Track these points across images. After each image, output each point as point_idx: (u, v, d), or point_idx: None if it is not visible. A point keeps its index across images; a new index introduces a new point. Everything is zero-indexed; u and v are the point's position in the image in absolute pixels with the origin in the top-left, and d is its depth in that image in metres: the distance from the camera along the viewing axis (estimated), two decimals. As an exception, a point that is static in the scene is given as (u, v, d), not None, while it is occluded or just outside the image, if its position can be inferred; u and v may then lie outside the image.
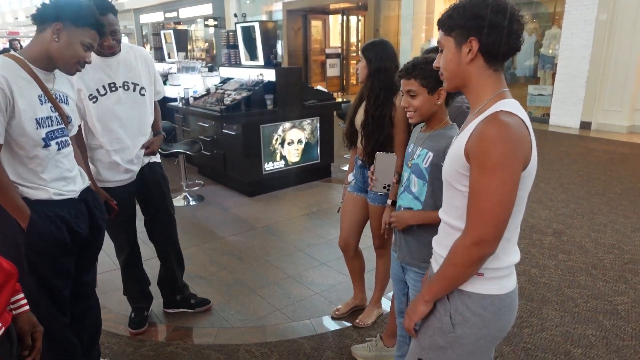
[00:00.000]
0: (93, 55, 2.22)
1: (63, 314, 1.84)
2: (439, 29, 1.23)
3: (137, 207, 2.59)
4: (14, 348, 1.17)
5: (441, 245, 1.29)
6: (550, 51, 8.71)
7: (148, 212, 2.61)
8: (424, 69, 1.65)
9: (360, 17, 13.70)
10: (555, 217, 4.19)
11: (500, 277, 1.21)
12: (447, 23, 1.18)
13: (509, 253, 1.22)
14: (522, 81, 9.52)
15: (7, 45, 13.35)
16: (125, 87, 2.31)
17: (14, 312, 1.22)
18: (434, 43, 10.84)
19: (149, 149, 2.44)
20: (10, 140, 1.62)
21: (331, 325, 2.68)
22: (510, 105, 1.13)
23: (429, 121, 1.73)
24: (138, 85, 2.35)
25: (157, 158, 2.58)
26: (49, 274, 1.75)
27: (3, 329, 1.09)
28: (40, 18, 1.65)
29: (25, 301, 1.26)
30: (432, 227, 1.67)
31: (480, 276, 1.20)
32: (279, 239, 3.86)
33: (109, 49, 2.22)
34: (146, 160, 2.48)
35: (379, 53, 2.26)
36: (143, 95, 2.38)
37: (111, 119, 2.29)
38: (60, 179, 1.75)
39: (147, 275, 2.73)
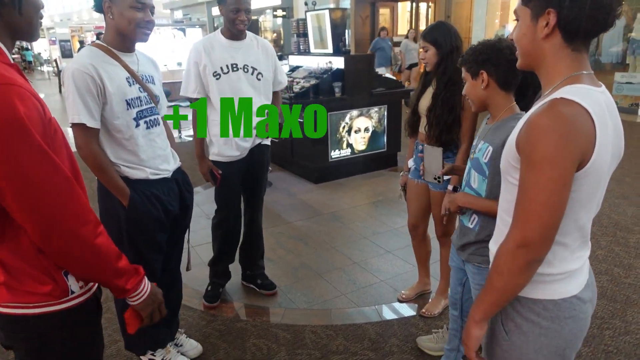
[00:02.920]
0: (222, 38, 2.45)
1: None
2: None
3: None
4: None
5: (497, 244, 1.16)
6: (643, 35, 7.98)
7: (245, 188, 2.74)
8: (467, 54, 1.61)
9: (430, 4, 13.29)
10: (644, 215, 3.87)
11: (551, 281, 1.08)
12: None
13: (565, 260, 1.07)
14: (609, 68, 8.78)
15: (95, 39, 14.43)
16: (245, 70, 2.48)
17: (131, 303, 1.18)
18: (509, 30, 10.29)
19: None
20: (107, 125, 1.74)
21: (396, 312, 2.67)
22: (575, 91, 0.97)
23: (490, 111, 1.66)
24: (256, 69, 2.50)
25: (267, 141, 2.69)
26: (145, 247, 1.90)
27: (93, 289, 1.16)
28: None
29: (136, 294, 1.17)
30: (491, 227, 1.61)
31: None
32: (345, 225, 3.88)
33: (240, 24, 2.36)
34: (257, 141, 2.60)
35: (446, 35, 2.17)
36: (259, 79, 2.52)
37: (230, 95, 2.45)
38: (155, 157, 1.87)
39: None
